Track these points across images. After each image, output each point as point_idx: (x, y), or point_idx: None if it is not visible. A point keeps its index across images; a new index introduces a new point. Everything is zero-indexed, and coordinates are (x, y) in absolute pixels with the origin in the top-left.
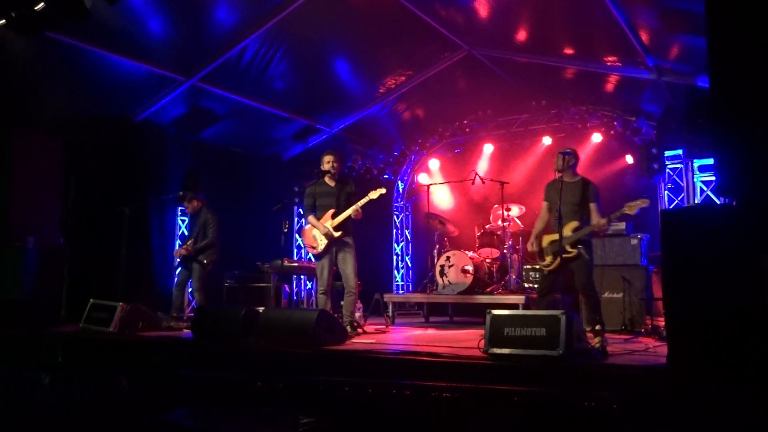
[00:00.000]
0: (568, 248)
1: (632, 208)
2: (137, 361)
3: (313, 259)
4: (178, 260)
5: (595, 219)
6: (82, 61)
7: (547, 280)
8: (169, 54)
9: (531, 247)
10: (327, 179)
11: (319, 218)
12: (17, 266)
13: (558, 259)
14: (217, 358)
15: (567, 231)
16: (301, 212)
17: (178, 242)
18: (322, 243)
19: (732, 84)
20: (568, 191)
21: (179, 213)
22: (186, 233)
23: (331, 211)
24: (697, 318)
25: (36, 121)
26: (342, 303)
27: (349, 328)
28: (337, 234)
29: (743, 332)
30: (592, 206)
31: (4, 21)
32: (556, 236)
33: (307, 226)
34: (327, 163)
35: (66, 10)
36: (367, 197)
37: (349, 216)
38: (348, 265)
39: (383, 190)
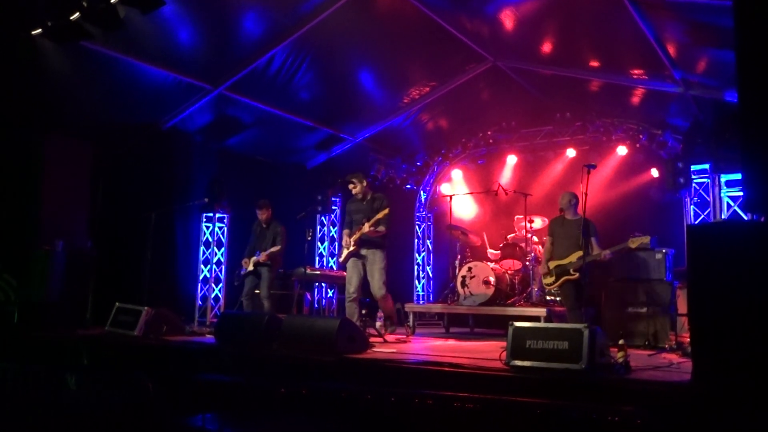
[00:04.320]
0: (572, 271)
1: (635, 242)
2: (161, 365)
3: (334, 267)
4: (244, 270)
5: (596, 250)
6: (112, 69)
7: (563, 296)
8: (197, 63)
9: (543, 269)
10: (358, 197)
11: (353, 233)
12: (46, 269)
13: (560, 280)
14: (240, 364)
15: (573, 258)
16: (324, 221)
17: (202, 248)
18: (344, 254)
19: (761, 98)
20: (572, 227)
21: (204, 219)
22: (210, 239)
23: (362, 225)
24: (723, 335)
25: (67, 128)
26: (363, 312)
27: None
28: (352, 247)
29: None
30: (592, 240)
31: (40, 30)
32: (560, 261)
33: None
34: (350, 187)
35: (100, 19)
36: (374, 218)
37: (364, 232)
38: (373, 276)
39: (387, 210)
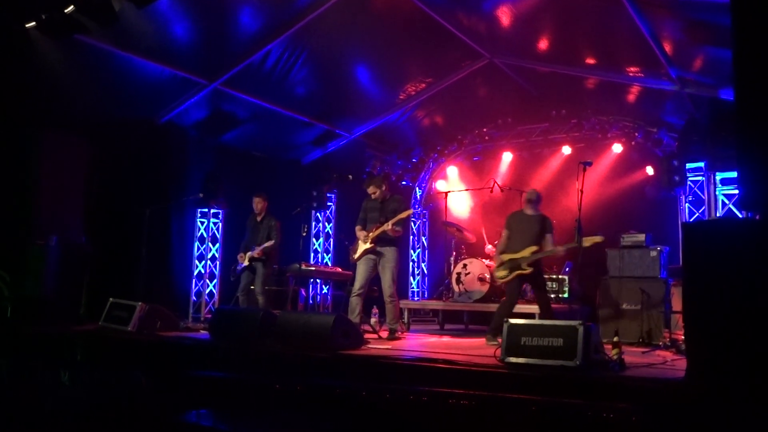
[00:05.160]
0: (525, 267)
1: (588, 241)
2: (155, 361)
3: (329, 264)
4: (242, 265)
5: (549, 246)
6: (108, 63)
7: (508, 289)
8: (192, 57)
9: (496, 262)
10: (378, 199)
11: (369, 231)
12: (40, 264)
13: (513, 274)
14: (235, 360)
15: (527, 253)
16: (319, 217)
17: (197, 244)
18: (360, 251)
19: (757, 97)
20: (530, 222)
21: (199, 215)
22: (204, 235)
23: (377, 224)
24: (717, 332)
25: (62, 123)
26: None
27: (387, 334)
28: (369, 245)
29: (765, 348)
30: (548, 236)
31: (34, 23)
32: (513, 255)
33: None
34: (370, 192)
35: (95, 13)
36: (396, 217)
37: (385, 231)
38: (385, 274)
39: (411, 211)
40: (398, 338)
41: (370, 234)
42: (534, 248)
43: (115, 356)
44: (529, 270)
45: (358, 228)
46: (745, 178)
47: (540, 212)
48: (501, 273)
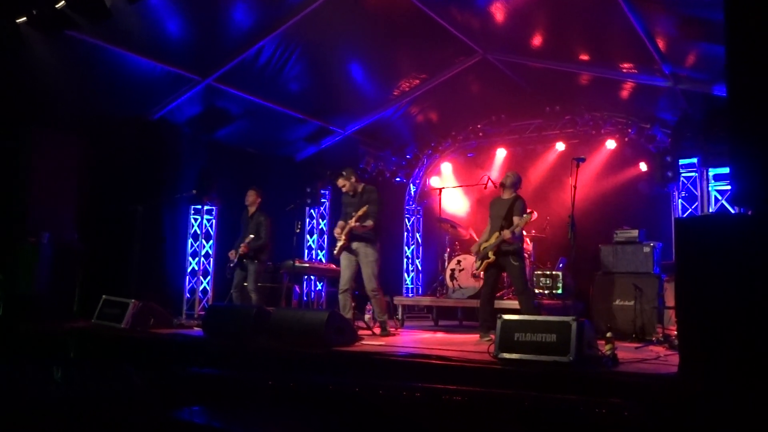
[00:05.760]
0: (490, 255)
1: (524, 220)
2: (148, 358)
3: (323, 260)
4: (234, 262)
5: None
6: (100, 59)
7: (484, 280)
8: (185, 54)
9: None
10: (349, 192)
11: (345, 226)
12: (33, 262)
13: (483, 264)
14: (228, 357)
15: (493, 239)
16: (313, 213)
17: (190, 241)
18: (337, 247)
19: (750, 93)
20: (501, 206)
21: (192, 211)
22: (198, 232)
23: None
24: (709, 328)
25: (54, 119)
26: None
27: (380, 330)
28: (344, 242)
29: (757, 344)
30: (515, 219)
31: (25, 18)
32: (486, 243)
33: None
34: (339, 184)
35: (86, 8)
36: (357, 214)
37: (353, 228)
38: (365, 270)
39: (365, 208)
40: (391, 333)
41: (343, 231)
42: (497, 234)
43: (108, 353)
44: (493, 258)
45: (339, 224)
46: (738, 174)
47: (516, 194)
48: (476, 263)
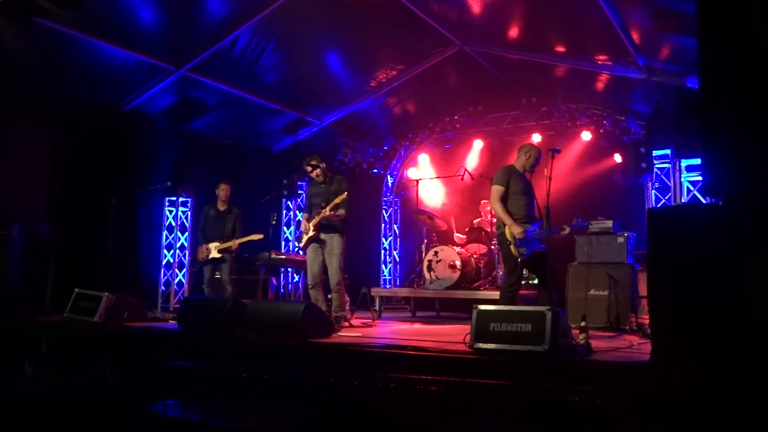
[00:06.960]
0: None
1: (341, 199)
2: (122, 352)
3: (301, 253)
4: (210, 257)
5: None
6: (70, 48)
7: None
8: (159, 43)
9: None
10: (318, 180)
11: (312, 217)
12: (2, 255)
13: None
14: (204, 350)
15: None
16: (290, 205)
17: (165, 233)
18: (304, 239)
19: (721, 85)
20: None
21: (167, 203)
22: (173, 224)
23: (320, 209)
24: (681, 316)
25: (23, 109)
26: (329, 297)
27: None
28: (312, 233)
29: (727, 331)
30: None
31: None
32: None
33: None
34: (308, 170)
35: None
36: (333, 202)
37: (325, 217)
38: (331, 262)
39: (344, 195)
40: (344, 326)
41: (312, 221)
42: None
43: (81, 347)
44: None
45: (303, 216)
46: (709, 165)
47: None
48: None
